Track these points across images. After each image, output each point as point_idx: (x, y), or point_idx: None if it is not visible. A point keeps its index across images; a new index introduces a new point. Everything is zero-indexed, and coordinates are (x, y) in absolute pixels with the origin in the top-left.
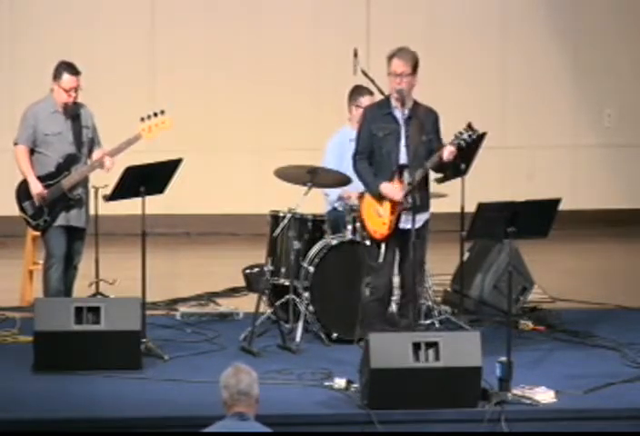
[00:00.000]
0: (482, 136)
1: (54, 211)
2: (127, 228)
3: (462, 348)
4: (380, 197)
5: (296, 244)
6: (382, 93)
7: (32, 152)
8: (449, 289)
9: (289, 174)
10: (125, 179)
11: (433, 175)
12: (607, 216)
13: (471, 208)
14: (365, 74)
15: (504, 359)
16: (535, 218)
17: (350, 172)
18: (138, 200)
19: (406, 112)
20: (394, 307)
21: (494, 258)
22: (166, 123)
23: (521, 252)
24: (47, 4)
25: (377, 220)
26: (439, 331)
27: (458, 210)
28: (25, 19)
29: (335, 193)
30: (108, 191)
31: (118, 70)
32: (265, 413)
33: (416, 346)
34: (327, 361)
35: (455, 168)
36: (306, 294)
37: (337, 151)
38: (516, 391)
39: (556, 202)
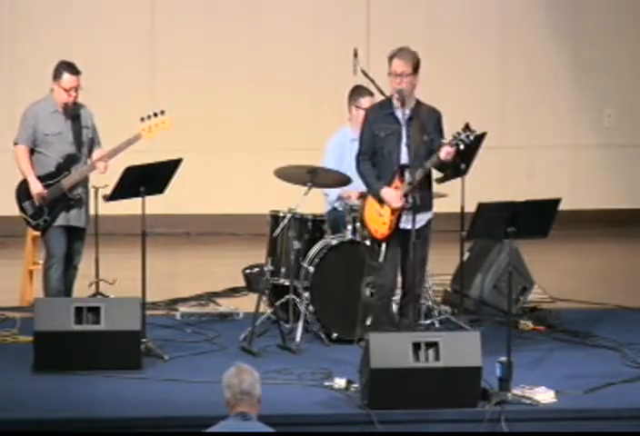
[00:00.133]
0: (482, 136)
1: (54, 211)
2: (127, 228)
3: (462, 348)
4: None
5: (296, 244)
6: (382, 93)
7: (32, 152)
8: (449, 289)
9: (289, 174)
10: (124, 179)
11: (434, 175)
12: (607, 216)
13: (471, 208)
14: (365, 74)
15: (504, 359)
16: (535, 218)
17: (350, 172)
18: (138, 200)
19: (408, 112)
20: (394, 307)
21: (494, 258)
22: (166, 123)
23: (521, 252)
24: (47, 4)
25: (378, 219)
26: (439, 331)
27: (458, 210)
28: (25, 19)
29: (334, 192)
30: (108, 191)
31: (118, 70)
32: (265, 413)
33: (416, 346)
34: (327, 361)
35: (455, 168)
36: (306, 294)
37: (337, 151)
38: (516, 391)
39: (556, 202)
